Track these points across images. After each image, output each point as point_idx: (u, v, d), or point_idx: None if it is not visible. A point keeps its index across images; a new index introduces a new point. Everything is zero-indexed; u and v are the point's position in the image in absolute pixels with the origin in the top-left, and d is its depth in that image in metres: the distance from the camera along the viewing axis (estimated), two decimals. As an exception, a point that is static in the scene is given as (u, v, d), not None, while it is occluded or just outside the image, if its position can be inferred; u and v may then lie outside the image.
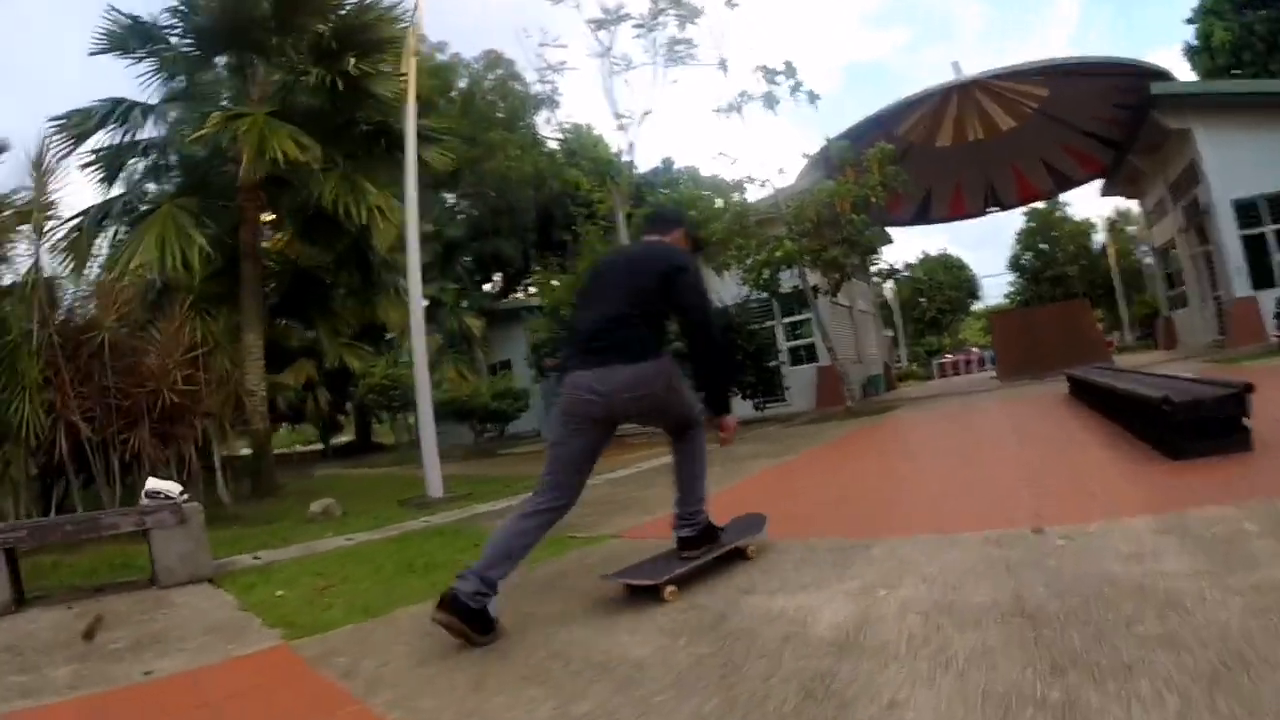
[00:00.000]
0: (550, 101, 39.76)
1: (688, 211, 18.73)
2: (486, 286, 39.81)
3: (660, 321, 4.35)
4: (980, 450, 8.87)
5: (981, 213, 33.72)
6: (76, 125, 14.13)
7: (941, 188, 31.86)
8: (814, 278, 21.13)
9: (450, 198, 37.97)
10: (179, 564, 6.20)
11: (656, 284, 4.25)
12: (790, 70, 21.72)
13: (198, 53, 15.30)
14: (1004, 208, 33.74)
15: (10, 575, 5.83)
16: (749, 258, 20.11)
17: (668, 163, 45.83)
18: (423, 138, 15.07)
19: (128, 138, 14.99)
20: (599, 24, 30.29)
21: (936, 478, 7.44)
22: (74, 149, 14.19)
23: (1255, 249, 21.39)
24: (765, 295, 21.84)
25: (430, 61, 37.62)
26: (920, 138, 28.27)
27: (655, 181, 40.05)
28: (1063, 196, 51.24)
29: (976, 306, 65.89)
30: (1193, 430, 5.67)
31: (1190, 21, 40.64)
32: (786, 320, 26.60)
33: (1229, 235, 21.48)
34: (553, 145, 40.08)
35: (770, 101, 21.84)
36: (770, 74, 21.65)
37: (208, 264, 14.19)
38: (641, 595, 4.26)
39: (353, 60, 14.33)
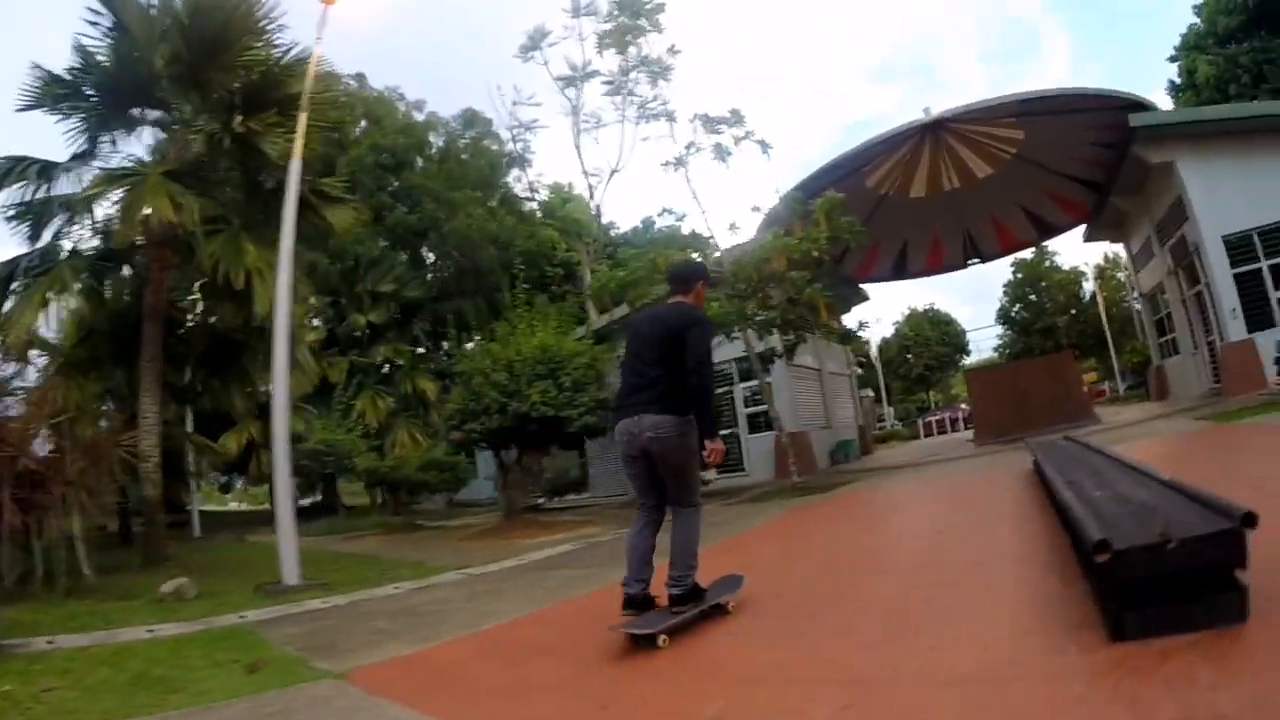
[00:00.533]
0: (521, 160, 38.42)
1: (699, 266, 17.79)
2: (469, 346, 37.61)
3: (682, 372, 5.13)
4: (861, 582, 6.17)
5: (962, 265, 31.13)
6: (-26, 182, 13.75)
7: (918, 241, 29.50)
8: (768, 341, 19.18)
9: (425, 256, 35.91)
10: (-46, 642, 5.81)
11: (677, 341, 5.16)
12: (737, 119, 19.56)
13: (103, 110, 14.51)
14: (985, 259, 31.06)
15: None
16: None
17: (648, 221, 43.97)
18: (326, 197, 14.84)
19: (39, 194, 14.25)
20: (567, 81, 28.14)
21: (764, 640, 4.92)
22: (-26, 204, 13.86)
23: (1250, 288, 18.84)
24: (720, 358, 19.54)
25: (407, 119, 36.24)
26: (893, 190, 26.01)
27: (636, 240, 38.02)
28: (1051, 246, 49.20)
29: (967, 361, 62.62)
30: (1153, 593, 3.13)
31: (1173, 59, 39.51)
32: (745, 385, 24.16)
33: (1221, 274, 18.93)
34: (527, 205, 38.43)
35: (722, 153, 19.67)
36: (712, 123, 19.49)
37: (80, 328, 14.40)
38: (640, 643, 4.85)
39: (240, 118, 13.77)
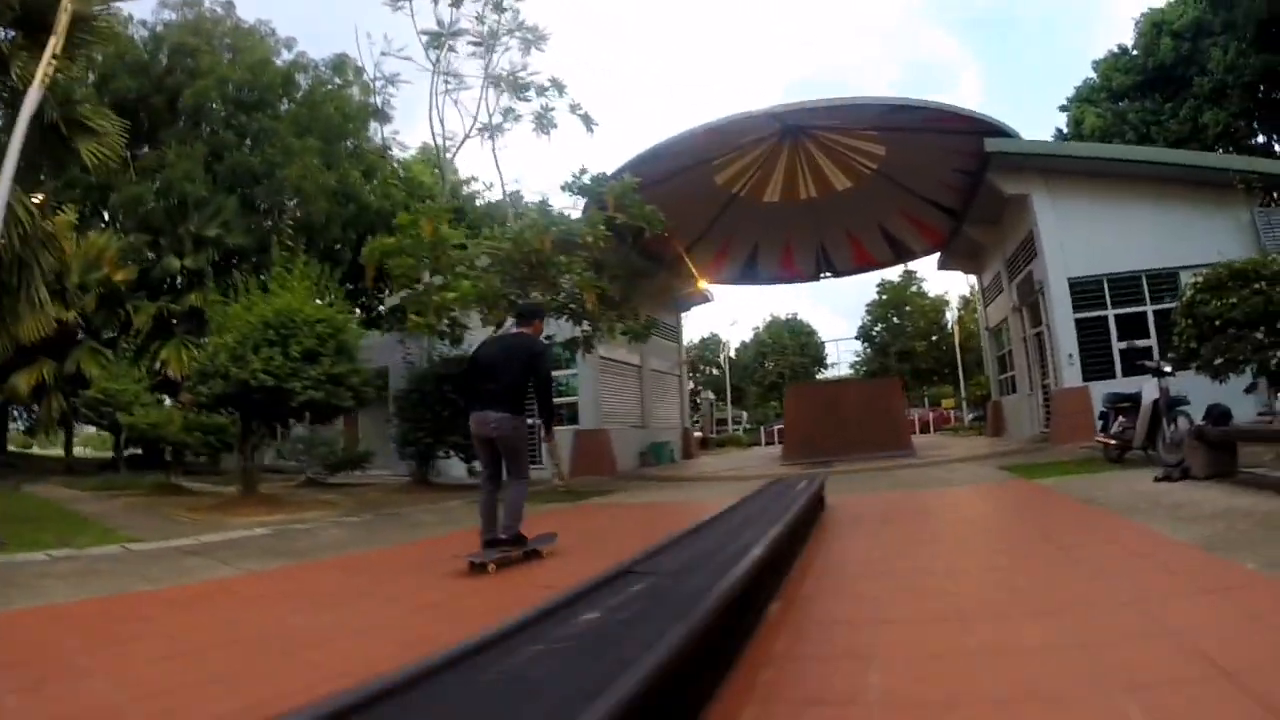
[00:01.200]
0: (382, 114, 35.15)
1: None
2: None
3: (523, 387, 7.16)
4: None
5: (814, 277, 29.41)
6: None
7: (770, 247, 27.60)
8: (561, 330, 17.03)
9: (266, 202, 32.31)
10: None
11: (523, 366, 7.09)
12: (555, 86, 17.30)
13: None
14: (838, 274, 29.38)
15: None
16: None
17: (515, 196, 41.37)
18: (82, 128, 13.51)
19: None
20: (433, 37, 25.16)
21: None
22: None
23: (1092, 335, 17.49)
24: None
25: (273, 54, 33.21)
26: (746, 191, 24.09)
27: (494, 215, 35.30)
28: (920, 271, 48.12)
29: (828, 374, 60.88)
30: None
31: (1063, 109, 40.13)
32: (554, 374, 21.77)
33: (1062, 317, 17.53)
34: (386, 163, 35.37)
35: (544, 124, 17.39)
36: (519, 89, 17.18)
37: None
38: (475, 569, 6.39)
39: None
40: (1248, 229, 16.89)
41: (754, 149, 22.38)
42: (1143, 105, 35.74)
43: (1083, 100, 38.53)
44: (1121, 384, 15.21)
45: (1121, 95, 37.14)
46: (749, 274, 29.03)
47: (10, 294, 14.38)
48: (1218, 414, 8.65)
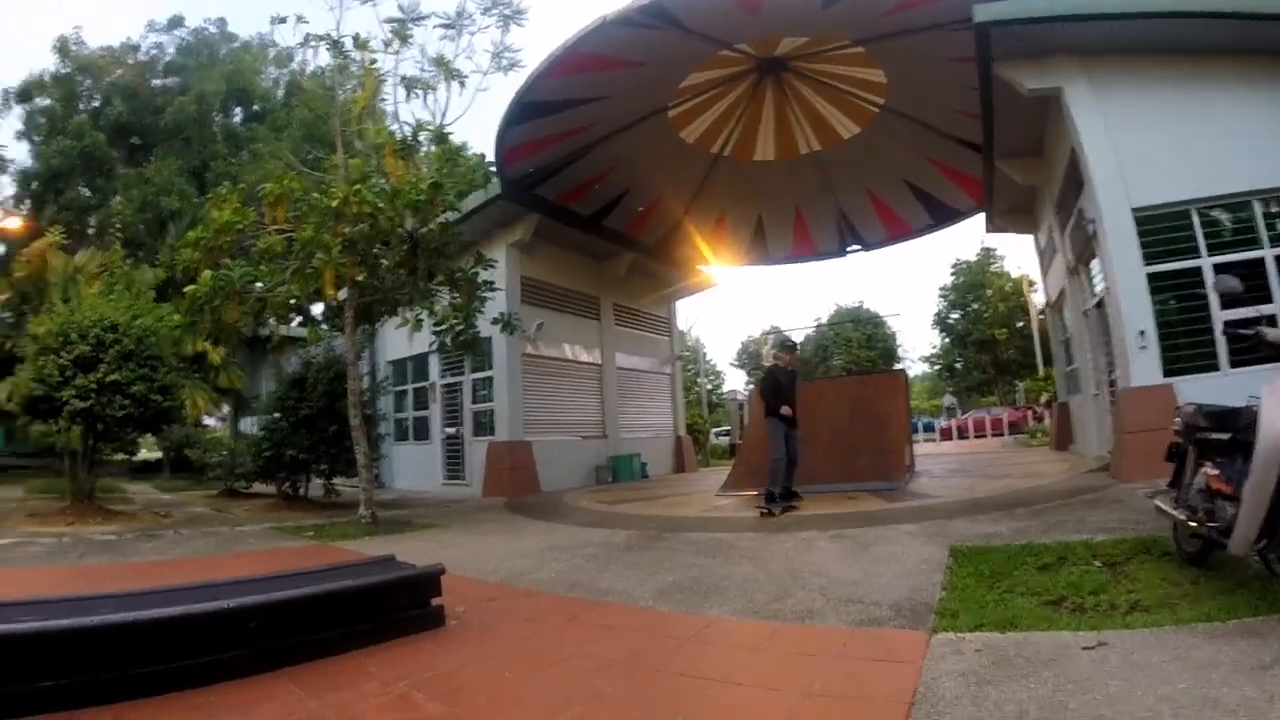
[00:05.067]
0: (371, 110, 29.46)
1: None
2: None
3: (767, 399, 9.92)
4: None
5: (840, 253, 21.46)
6: None
7: (777, 218, 20.07)
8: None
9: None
10: None
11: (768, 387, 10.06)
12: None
13: None
14: (866, 247, 21.28)
15: None
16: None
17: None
18: None
19: None
20: (399, 24, 18.61)
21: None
22: None
23: (1181, 301, 9.53)
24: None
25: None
26: (730, 150, 17.16)
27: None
28: (999, 245, 38.34)
29: (898, 368, 50.32)
30: None
31: None
32: (476, 376, 16.46)
33: (1126, 272, 9.58)
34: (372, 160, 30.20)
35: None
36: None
37: None
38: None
39: None
40: None
41: (722, 95, 15.31)
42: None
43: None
44: (1223, 385, 7.55)
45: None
46: (758, 252, 21.50)
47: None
48: None
